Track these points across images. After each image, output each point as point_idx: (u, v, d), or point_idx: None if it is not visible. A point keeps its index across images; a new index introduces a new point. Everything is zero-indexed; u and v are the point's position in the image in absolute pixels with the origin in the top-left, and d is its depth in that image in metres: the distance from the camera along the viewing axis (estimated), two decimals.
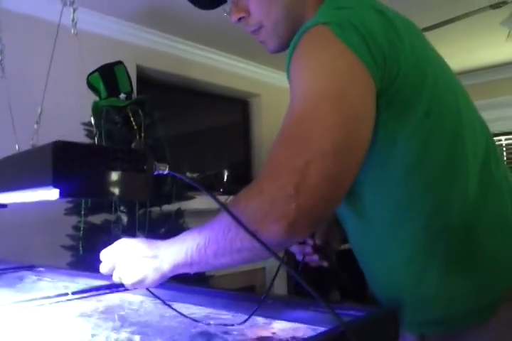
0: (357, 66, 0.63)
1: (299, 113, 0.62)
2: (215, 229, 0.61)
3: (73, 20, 0.61)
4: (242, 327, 0.64)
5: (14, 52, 1.95)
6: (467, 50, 3.29)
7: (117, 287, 0.87)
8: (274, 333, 0.62)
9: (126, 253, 0.70)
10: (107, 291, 0.86)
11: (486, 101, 3.91)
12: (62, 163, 0.47)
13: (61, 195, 0.48)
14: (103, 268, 0.73)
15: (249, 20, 0.82)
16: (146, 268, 0.67)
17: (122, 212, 1.94)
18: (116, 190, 0.52)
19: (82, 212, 1.88)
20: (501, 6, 2.10)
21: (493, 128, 3.94)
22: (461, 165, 0.71)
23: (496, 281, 0.71)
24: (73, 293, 0.82)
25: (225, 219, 0.60)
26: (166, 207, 2.06)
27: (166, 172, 0.59)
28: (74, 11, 0.61)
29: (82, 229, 1.87)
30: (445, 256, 0.71)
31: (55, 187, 0.47)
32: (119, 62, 2.09)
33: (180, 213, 2.09)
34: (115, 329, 0.64)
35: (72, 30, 0.61)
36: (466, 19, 2.27)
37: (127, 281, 0.69)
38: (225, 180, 3.39)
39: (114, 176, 0.51)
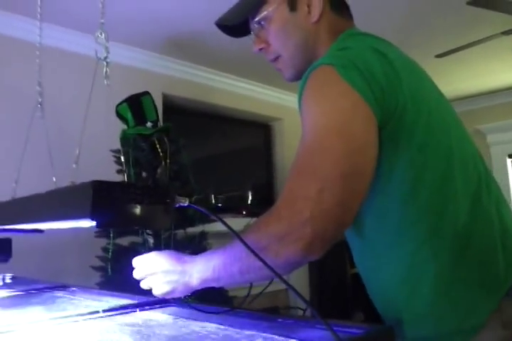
0: (359, 103, 0.71)
1: (309, 146, 0.71)
2: (238, 250, 0.69)
3: (106, 72, 0.71)
4: None
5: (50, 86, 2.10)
6: (484, 73, 3.33)
7: (144, 306, 0.95)
8: None
9: (157, 266, 0.81)
10: (135, 310, 0.94)
11: (506, 122, 3.93)
12: (98, 199, 0.56)
13: (97, 225, 0.57)
14: (136, 275, 0.86)
15: (269, 51, 0.93)
16: (175, 282, 0.78)
17: (148, 234, 2.04)
18: (143, 222, 0.61)
19: (111, 235, 1.98)
20: None
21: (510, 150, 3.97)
22: (451, 197, 0.78)
23: (481, 305, 0.76)
24: (104, 311, 0.89)
25: (247, 240, 0.68)
26: (190, 230, 2.14)
27: (186, 204, 0.67)
28: (107, 64, 0.71)
29: (110, 250, 1.96)
30: (435, 279, 0.77)
31: (93, 219, 0.56)
32: (146, 93, 2.22)
33: (203, 235, 2.17)
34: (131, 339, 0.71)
35: (105, 82, 0.71)
36: (481, 45, 2.34)
37: (157, 292, 0.81)
38: (249, 201, 3.47)
39: (141, 209, 0.60)
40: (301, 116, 0.77)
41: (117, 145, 2.18)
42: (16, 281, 1.41)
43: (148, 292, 1.80)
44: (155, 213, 0.62)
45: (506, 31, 2.18)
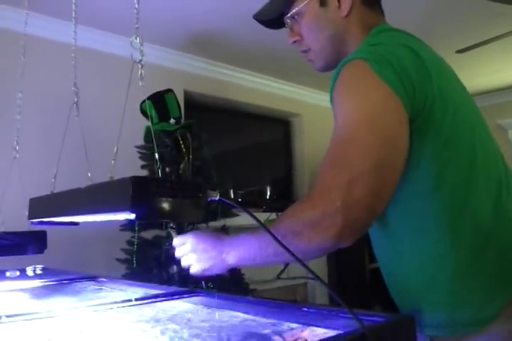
0: (391, 97, 0.74)
1: (341, 137, 0.75)
2: (274, 234, 0.73)
3: (141, 74, 0.75)
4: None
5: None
6: (505, 68, 3.30)
7: (173, 295, 1.00)
8: (306, 339, 0.71)
9: (197, 244, 0.87)
10: (164, 299, 0.98)
11: None
12: (137, 193, 0.60)
13: (136, 218, 0.62)
14: (178, 253, 0.92)
15: (302, 43, 0.98)
16: (213, 259, 0.84)
17: (172, 228, 2.09)
18: (177, 215, 0.65)
19: (136, 228, 2.04)
20: None
21: None
22: (473, 193, 0.81)
23: (496, 297, 0.79)
24: (136, 300, 0.94)
25: (281, 225, 0.73)
26: (213, 224, 2.19)
27: (217, 198, 0.71)
28: (141, 67, 0.75)
29: (135, 243, 2.02)
30: (453, 270, 0.80)
31: (132, 212, 0.61)
32: (170, 90, 2.27)
33: (225, 229, 2.22)
34: (175, 331, 0.76)
35: (140, 83, 0.75)
36: (501, 40, 2.33)
37: (196, 268, 0.86)
38: (268, 196, 3.51)
39: (176, 203, 0.64)
40: (333, 107, 0.81)
41: (139, 142, 2.24)
42: (46, 272, 1.47)
43: (173, 283, 1.85)
44: (189, 206, 0.66)
45: None
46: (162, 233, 2.17)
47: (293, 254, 0.65)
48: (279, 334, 0.72)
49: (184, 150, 2.11)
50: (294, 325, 0.75)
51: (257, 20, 1.02)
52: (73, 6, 0.97)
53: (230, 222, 2.31)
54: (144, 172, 2.18)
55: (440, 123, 0.79)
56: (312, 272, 0.65)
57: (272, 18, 1.00)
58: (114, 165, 0.70)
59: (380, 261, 0.95)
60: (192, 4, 2.35)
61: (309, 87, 3.77)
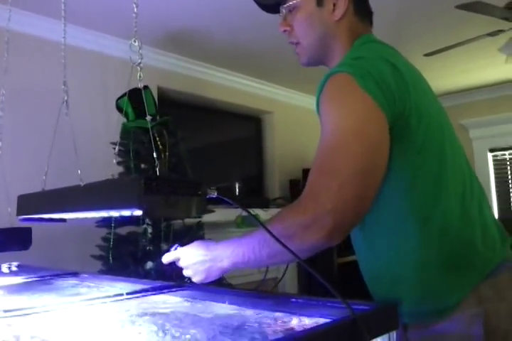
0: (374, 108, 0.80)
1: (329, 146, 0.81)
2: (267, 236, 0.76)
3: (140, 76, 0.78)
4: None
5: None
6: (469, 71, 3.46)
7: (161, 289, 1.03)
8: (293, 326, 0.74)
9: (192, 258, 0.94)
10: (154, 292, 1.02)
11: (488, 118, 4.08)
12: (146, 191, 0.64)
13: (144, 214, 0.65)
14: (182, 263, 0.98)
15: (291, 34, 1.03)
16: (209, 268, 0.90)
17: (148, 224, 2.11)
18: (180, 211, 0.69)
19: (112, 225, 2.04)
20: (498, 34, 2.26)
21: (494, 143, 4.13)
22: (443, 195, 0.88)
23: (457, 290, 0.87)
24: (127, 294, 0.97)
25: (273, 229, 0.76)
26: (188, 220, 2.22)
27: (215, 195, 0.75)
28: (140, 69, 0.78)
29: (112, 240, 2.03)
30: (419, 266, 0.88)
31: (140, 209, 0.64)
32: (146, 87, 2.27)
33: (200, 225, 2.25)
34: (160, 320, 0.78)
35: (139, 84, 0.78)
36: (468, 44, 2.45)
37: (196, 279, 0.93)
38: (236, 193, 3.56)
39: (180, 200, 0.68)
40: (319, 117, 0.86)
41: (115, 138, 2.23)
42: (22, 269, 1.46)
43: (149, 278, 1.88)
44: (191, 203, 0.70)
45: (491, 33, 2.29)
46: (136, 229, 2.18)
47: (291, 251, 0.69)
48: (267, 324, 0.76)
49: (161, 147, 2.13)
50: (280, 315, 0.79)
51: (255, 1, 1.06)
52: (62, 5, 0.98)
53: (205, 218, 2.34)
54: (120, 169, 2.19)
55: (415, 132, 0.86)
56: (308, 267, 0.70)
57: (270, 4, 1.04)
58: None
59: (359, 256, 1.02)
60: (169, 1, 2.35)
61: (281, 85, 3.83)
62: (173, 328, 0.74)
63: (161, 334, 0.70)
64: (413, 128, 0.85)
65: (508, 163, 4.12)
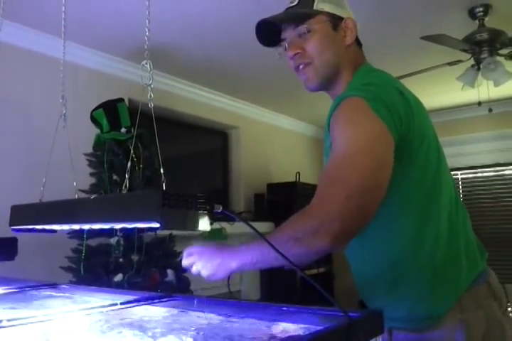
0: (384, 130, 0.89)
1: (341, 161, 0.89)
2: (276, 240, 0.81)
3: (150, 96, 0.84)
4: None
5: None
6: (428, 95, 3.67)
7: (153, 299, 1.06)
8: (281, 331, 0.76)
9: (205, 254, 0.98)
10: (147, 303, 1.04)
11: (446, 139, 4.32)
12: (164, 205, 0.69)
13: (161, 227, 0.70)
14: (185, 262, 1.02)
15: (304, 55, 1.06)
16: (218, 265, 0.94)
17: (120, 236, 2.11)
18: (192, 224, 0.74)
19: (85, 236, 2.04)
20: (457, 64, 2.44)
21: (451, 163, 4.37)
22: (435, 211, 0.98)
23: (447, 297, 0.96)
24: (121, 304, 1.00)
25: (284, 233, 0.84)
26: (160, 232, 2.24)
27: (220, 210, 0.81)
28: (151, 89, 0.83)
29: (84, 251, 2.02)
30: (413, 275, 0.97)
31: (158, 222, 0.69)
32: (121, 99, 2.29)
33: (172, 238, 2.28)
34: (147, 329, 0.79)
35: (149, 104, 0.83)
36: (430, 72, 2.62)
37: (204, 273, 0.97)
38: None
39: (193, 214, 0.73)
40: (331, 135, 0.94)
41: (86, 150, 2.23)
42: None
43: (131, 288, 1.87)
44: (201, 217, 0.75)
45: (450, 62, 2.47)
46: (106, 241, 2.18)
47: (287, 259, 0.76)
48: (256, 331, 0.78)
49: (135, 159, 2.15)
50: (266, 323, 0.80)
51: (258, 29, 1.08)
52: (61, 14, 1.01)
53: (176, 231, 2.36)
54: (92, 180, 2.19)
55: (417, 151, 0.96)
56: (305, 275, 0.76)
57: (278, 26, 1.07)
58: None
59: (353, 263, 1.10)
60: (143, 14, 2.39)
61: (248, 101, 3.92)
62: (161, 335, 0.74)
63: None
64: (415, 148, 0.95)
65: (460, 182, 4.36)
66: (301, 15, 1.05)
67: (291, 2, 1.09)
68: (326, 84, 1.08)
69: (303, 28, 1.04)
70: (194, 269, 0.99)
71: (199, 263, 0.98)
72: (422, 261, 0.97)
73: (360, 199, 0.83)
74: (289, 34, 1.07)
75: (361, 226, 0.85)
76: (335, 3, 1.06)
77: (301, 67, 1.07)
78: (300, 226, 0.85)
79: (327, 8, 1.05)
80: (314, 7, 1.04)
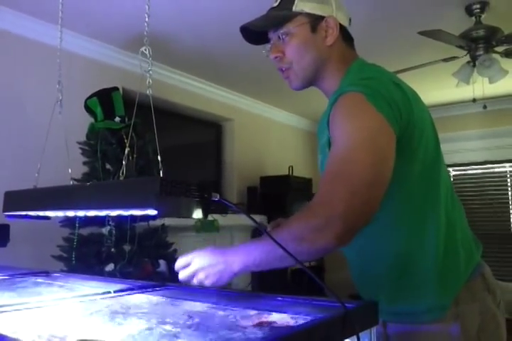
0: (384, 124, 0.88)
1: (342, 156, 0.87)
2: (280, 238, 0.80)
3: (149, 82, 0.83)
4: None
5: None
6: (425, 90, 3.68)
7: (147, 287, 1.06)
8: (274, 321, 0.76)
9: (204, 261, 0.93)
10: (139, 291, 1.04)
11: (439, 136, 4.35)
12: (162, 192, 0.68)
13: (158, 214, 0.69)
14: (184, 273, 0.96)
15: (283, 60, 1.07)
16: (221, 271, 0.91)
17: (112, 226, 2.10)
18: (190, 211, 0.74)
19: (77, 225, 2.03)
20: (453, 60, 2.45)
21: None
22: (435, 205, 0.98)
23: (447, 292, 0.96)
24: (114, 292, 1.00)
25: (289, 231, 0.83)
26: (153, 223, 2.23)
27: (217, 198, 0.80)
28: (150, 76, 0.82)
29: (75, 240, 2.01)
30: (416, 271, 0.98)
31: (155, 209, 0.69)
32: (116, 88, 2.27)
33: (164, 228, 2.27)
34: (152, 321, 0.79)
35: (148, 91, 0.82)
36: (425, 68, 2.63)
37: (208, 282, 0.92)
38: None
39: (191, 202, 0.73)
40: (331, 131, 0.93)
41: (79, 138, 2.21)
42: None
43: (124, 278, 1.87)
44: (199, 205, 0.75)
45: (446, 58, 2.48)
46: (98, 230, 2.17)
47: (291, 255, 0.75)
48: (249, 320, 0.76)
49: (129, 148, 2.13)
50: (256, 312, 0.81)
51: (243, 31, 1.09)
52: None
53: (168, 221, 2.36)
54: (85, 169, 2.17)
55: (417, 145, 0.96)
56: (308, 271, 0.76)
57: (259, 31, 1.07)
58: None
59: (352, 260, 1.10)
60: (140, 4, 2.37)
61: (243, 93, 3.91)
62: (156, 327, 0.72)
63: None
64: (416, 141, 0.95)
65: (452, 179, 4.40)
66: (279, 18, 1.05)
67: (275, 1, 1.08)
68: (310, 83, 1.08)
69: (281, 31, 1.04)
70: (195, 281, 0.94)
71: (200, 273, 0.93)
72: (425, 253, 0.97)
73: (364, 194, 0.82)
74: (271, 35, 1.08)
75: (366, 221, 0.84)
76: (316, 1, 1.04)
77: (283, 69, 1.08)
78: (304, 225, 0.84)
79: (307, 8, 1.03)
80: (294, 8, 1.03)
